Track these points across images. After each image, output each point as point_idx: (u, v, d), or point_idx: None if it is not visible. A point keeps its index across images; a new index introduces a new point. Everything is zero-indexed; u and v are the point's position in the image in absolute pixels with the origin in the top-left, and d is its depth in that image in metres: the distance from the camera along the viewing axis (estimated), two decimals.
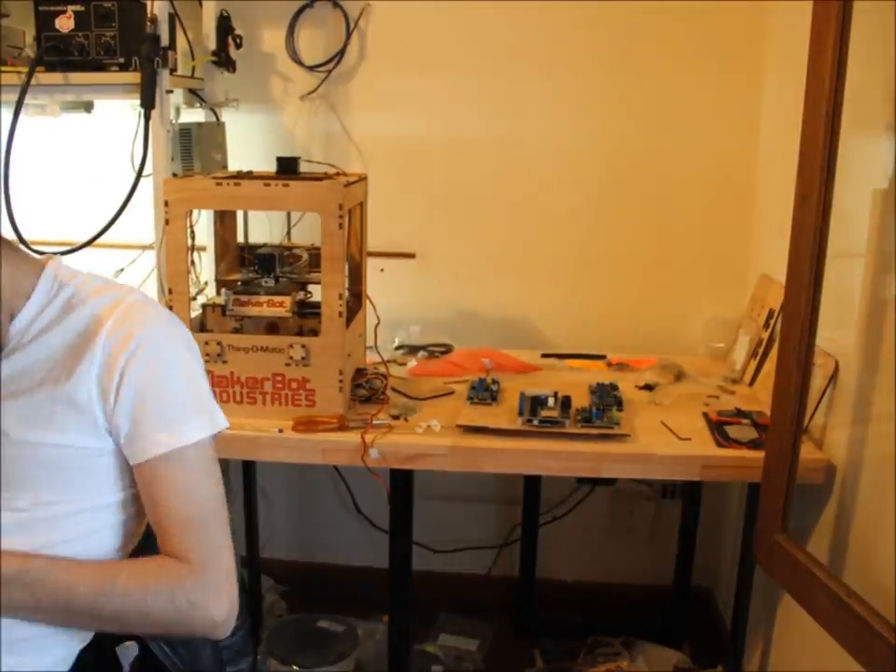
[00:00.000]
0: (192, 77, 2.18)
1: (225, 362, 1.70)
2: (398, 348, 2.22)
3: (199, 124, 2.10)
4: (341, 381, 1.70)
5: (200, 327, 1.74)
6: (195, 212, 1.91)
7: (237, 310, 1.73)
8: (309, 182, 1.69)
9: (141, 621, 1.00)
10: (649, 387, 1.97)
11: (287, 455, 1.71)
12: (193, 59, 2.20)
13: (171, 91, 1.94)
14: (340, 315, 1.67)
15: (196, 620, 1.02)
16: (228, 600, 1.04)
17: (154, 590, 0.99)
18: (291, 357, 1.68)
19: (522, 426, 1.69)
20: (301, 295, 1.78)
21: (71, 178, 2.42)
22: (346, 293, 1.72)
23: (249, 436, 1.67)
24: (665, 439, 1.69)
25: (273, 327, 1.75)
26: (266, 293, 1.74)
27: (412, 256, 2.38)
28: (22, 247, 1.24)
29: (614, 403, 1.79)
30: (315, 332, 1.71)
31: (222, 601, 1.04)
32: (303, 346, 1.68)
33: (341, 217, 1.62)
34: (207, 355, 1.69)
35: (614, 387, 1.90)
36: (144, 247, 2.27)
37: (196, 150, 2.07)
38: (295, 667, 2.15)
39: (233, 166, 2.21)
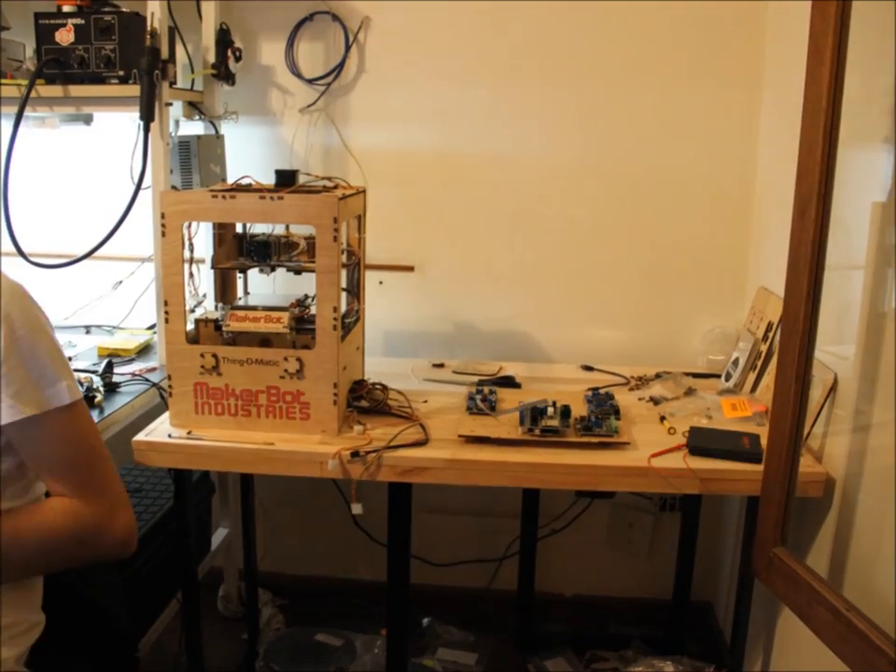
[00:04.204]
0: (192, 89, 2.19)
1: (220, 375, 1.70)
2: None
3: (198, 137, 2.11)
4: (335, 394, 1.69)
5: (193, 341, 1.74)
6: (194, 224, 1.91)
7: (233, 325, 1.73)
8: (303, 195, 1.68)
9: (54, 561, 1.16)
10: (654, 401, 1.97)
11: (281, 469, 1.70)
12: (193, 72, 2.21)
13: (170, 104, 1.95)
14: (334, 328, 1.67)
15: (102, 544, 1.17)
16: (125, 520, 1.19)
17: (56, 531, 1.13)
18: (286, 370, 1.68)
19: (523, 435, 1.69)
20: (298, 311, 1.77)
21: (70, 191, 2.43)
22: (343, 306, 1.72)
23: (244, 449, 1.66)
24: (664, 445, 1.68)
25: (265, 340, 1.74)
26: (264, 308, 1.75)
27: (410, 269, 2.38)
28: None
29: (612, 412, 1.80)
30: (308, 348, 1.71)
31: (119, 521, 1.18)
32: (298, 359, 1.68)
33: (336, 230, 1.62)
34: (202, 367, 1.69)
35: (610, 396, 1.90)
36: (142, 259, 2.28)
37: (195, 163, 2.08)
38: None
39: (233, 179, 2.22)
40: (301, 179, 1.82)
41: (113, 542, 1.17)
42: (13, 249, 1.87)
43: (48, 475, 1.16)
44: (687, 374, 2.13)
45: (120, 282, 2.36)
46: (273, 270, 1.84)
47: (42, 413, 1.10)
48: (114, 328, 2.39)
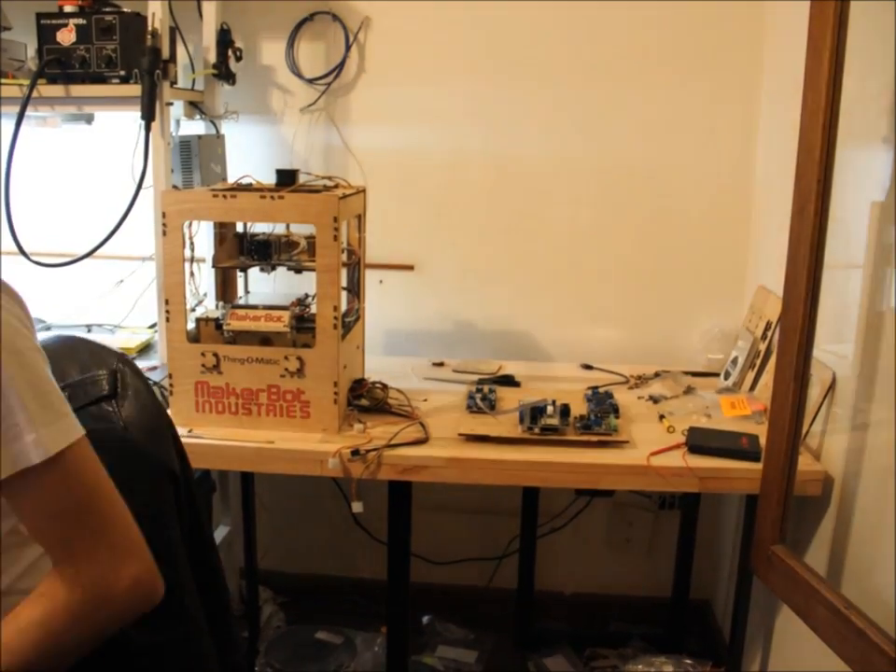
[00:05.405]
0: (192, 89, 2.19)
1: (220, 373, 1.71)
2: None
3: (199, 136, 2.12)
4: (336, 393, 1.70)
5: (194, 340, 1.75)
6: (195, 223, 1.92)
7: (233, 324, 1.74)
8: (304, 195, 1.69)
9: (66, 651, 0.91)
10: (653, 399, 1.98)
11: (281, 467, 1.71)
12: (193, 71, 2.22)
13: (171, 104, 1.95)
14: (335, 326, 1.67)
15: (112, 608, 0.92)
16: (134, 569, 0.93)
17: (47, 626, 0.89)
18: (286, 369, 1.69)
19: (523, 434, 1.70)
20: (298, 310, 1.78)
21: (72, 190, 2.43)
22: (343, 305, 1.73)
23: (244, 447, 1.67)
24: (663, 443, 1.69)
25: (266, 339, 1.75)
26: (264, 307, 1.75)
27: (410, 268, 2.39)
28: None
29: (611, 410, 1.80)
30: (308, 347, 1.71)
31: (126, 572, 0.92)
32: (298, 358, 1.68)
33: (336, 229, 1.63)
34: (203, 366, 1.70)
35: (609, 395, 1.91)
36: (143, 259, 2.28)
37: (196, 162, 2.08)
38: None
39: (233, 178, 2.22)
40: (302, 179, 1.83)
41: (125, 600, 0.92)
42: (15, 248, 1.88)
43: (38, 542, 0.94)
44: (686, 373, 2.14)
45: (121, 281, 2.36)
46: (273, 269, 1.85)
47: (8, 478, 0.87)
48: (115, 326, 2.39)
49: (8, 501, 0.90)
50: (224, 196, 1.67)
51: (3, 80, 1.93)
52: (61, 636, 0.90)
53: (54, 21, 1.90)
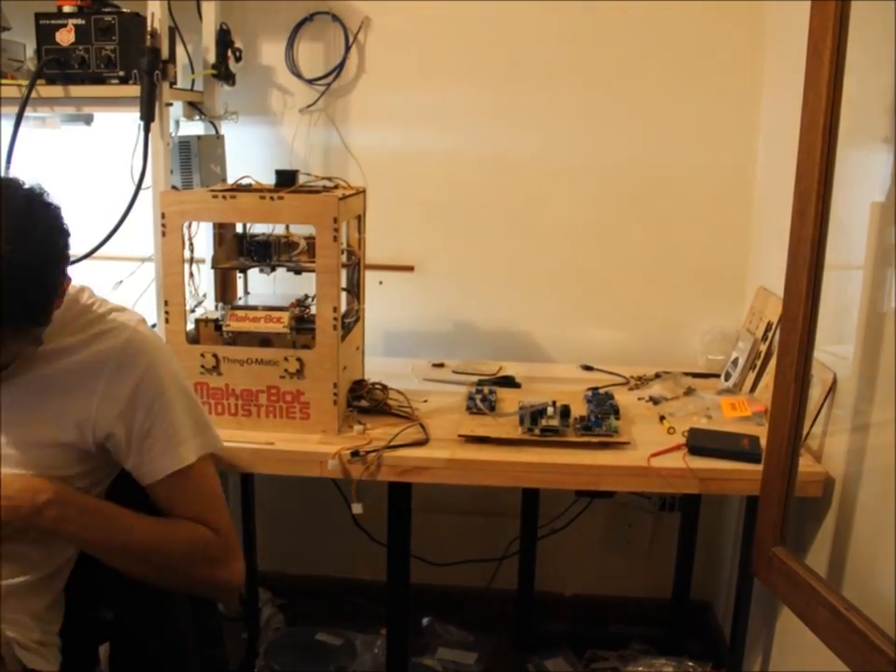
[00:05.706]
0: (192, 90, 2.19)
1: (220, 374, 1.70)
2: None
3: (198, 137, 2.11)
4: (335, 394, 1.70)
5: (193, 341, 1.74)
6: (194, 224, 1.91)
7: (233, 325, 1.73)
8: (304, 195, 1.69)
9: (158, 563, 1.21)
10: (654, 401, 1.97)
11: (281, 468, 1.70)
12: (193, 72, 2.21)
13: (170, 104, 1.95)
14: (334, 328, 1.67)
15: (217, 575, 1.25)
16: (242, 564, 1.28)
17: (171, 536, 1.22)
18: (286, 370, 1.68)
19: (523, 435, 1.70)
20: (298, 311, 1.78)
21: (71, 191, 2.42)
22: (343, 306, 1.73)
23: (244, 448, 1.67)
24: (663, 445, 1.69)
25: (266, 340, 1.75)
26: (264, 308, 1.75)
27: (410, 268, 2.38)
28: None
29: (612, 412, 1.80)
30: (308, 348, 1.71)
31: (238, 564, 1.27)
32: (298, 359, 1.68)
33: (336, 230, 1.62)
34: (202, 367, 1.70)
35: (610, 396, 1.91)
36: (143, 260, 2.28)
37: (195, 163, 2.07)
38: None
39: (232, 179, 2.22)
40: (301, 179, 1.83)
41: (227, 579, 1.27)
42: None
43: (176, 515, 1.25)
44: (686, 374, 2.14)
45: (121, 282, 2.35)
46: (273, 270, 1.85)
47: (174, 472, 1.22)
48: None
49: (160, 485, 1.23)
50: (223, 197, 1.67)
51: (2, 81, 1.92)
52: (171, 552, 1.21)
53: (53, 22, 1.90)
